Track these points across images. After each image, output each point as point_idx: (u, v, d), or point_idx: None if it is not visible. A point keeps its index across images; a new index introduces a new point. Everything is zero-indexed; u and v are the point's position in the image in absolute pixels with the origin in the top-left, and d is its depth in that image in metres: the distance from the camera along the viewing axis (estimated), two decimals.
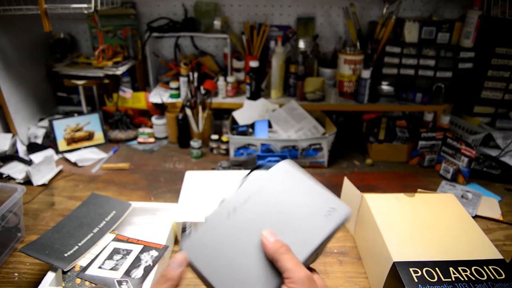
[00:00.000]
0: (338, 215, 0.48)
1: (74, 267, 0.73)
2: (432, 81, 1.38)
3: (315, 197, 0.50)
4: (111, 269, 0.72)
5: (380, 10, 1.48)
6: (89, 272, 0.72)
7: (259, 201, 0.49)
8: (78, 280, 0.70)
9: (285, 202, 0.49)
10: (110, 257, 0.76)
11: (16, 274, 0.79)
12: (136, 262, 0.74)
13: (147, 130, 1.43)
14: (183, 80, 1.41)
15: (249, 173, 0.55)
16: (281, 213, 0.48)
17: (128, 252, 0.77)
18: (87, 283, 0.70)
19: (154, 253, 0.76)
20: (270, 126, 1.33)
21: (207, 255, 0.44)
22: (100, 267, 0.73)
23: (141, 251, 0.76)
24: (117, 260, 0.75)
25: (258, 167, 0.54)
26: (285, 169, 0.52)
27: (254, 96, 1.41)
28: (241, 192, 0.49)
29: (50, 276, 0.71)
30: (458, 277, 0.63)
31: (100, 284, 0.69)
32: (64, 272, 0.72)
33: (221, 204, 0.48)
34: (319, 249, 0.47)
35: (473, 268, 0.65)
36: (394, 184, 1.18)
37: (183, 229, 0.53)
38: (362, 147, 1.38)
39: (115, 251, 0.77)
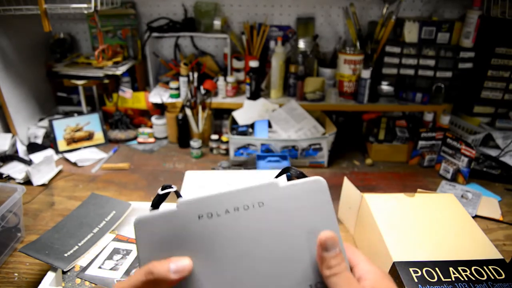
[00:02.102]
0: None
1: (74, 267, 0.73)
2: (432, 81, 1.38)
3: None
4: (111, 269, 0.72)
5: (380, 10, 1.48)
6: (89, 272, 0.72)
7: (247, 218, 0.38)
8: (78, 280, 0.70)
9: (279, 238, 0.38)
10: (110, 257, 0.76)
11: (16, 274, 0.79)
12: (136, 262, 0.74)
13: (147, 130, 1.43)
14: (183, 80, 1.41)
15: (276, 176, 0.44)
16: (263, 249, 0.37)
17: (128, 252, 0.77)
18: (87, 283, 0.70)
19: None
20: (270, 126, 1.33)
21: (154, 236, 0.37)
22: (100, 267, 0.73)
23: None
24: (117, 260, 0.75)
25: (287, 170, 0.43)
26: (311, 190, 0.39)
27: (254, 96, 1.41)
28: (233, 196, 0.38)
29: (50, 276, 0.71)
30: (458, 277, 0.63)
31: (100, 284, 0.69)
32: (64, 272, 0.72)
33: (200, 195, 0.38)
34: None
35: (473, 268, 0.65)
36: (394, 184, 1.18)
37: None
38: (362, 147, 1.38)
39: (115, 251, 0.77)
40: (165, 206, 0.39)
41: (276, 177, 0.43)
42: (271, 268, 0.37)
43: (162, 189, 0.42)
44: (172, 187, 0.42)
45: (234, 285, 0.37)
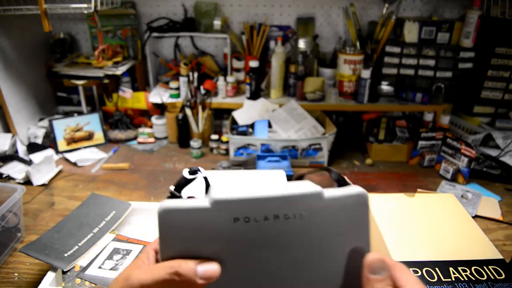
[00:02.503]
0: None
1: (74, 267, 0.73)
2: (432, 81, 1.38)
3: (350, 272, 0.36)
4: (111, 269, 0.72)
5: (380, 10, 1.48)
6: (89, 272, 0.72)
7: (286, 228, 0.34)
8: (78, 280, 0.70)
9: (315, 252, 0.35)
10: (110, 257, 0.76)
11: (16, 274, 0.79)
12: None
13: (147, 130, 1.43)
14: (183, 80, 1.41)
15: (311, 172, 0.41)
16: (299, 263, 0.35)
17: (128, 252, 0.77)
18: (87, 283, 0.70)
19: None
20: (270, 126, 1.33)
21: (179, 228, 0.34)
22: (100, 267, 0.73)
23: (141, 251, 0.76)
24: (117, 260, 0.75)
25: (328, 170, 0.39)
26: (353, 204, 0.37)
27: (254, 96, 1.41)
28: (277, 202, 0.34)
29: (50, 276, 0.70)
30: (458, 277, 0.63)
31: (100, 284, 0.69)
32: (64, 272, 0.72)
33: (240, 195, 0.34)
34: None
35: (473, 268, 0.65)
36: (394, 184, 1.18)
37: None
38: (362, 147, 1.38)
39: (115, 251, 0.77)
40: (190, 196, 0.36)
41: (313, 171, 0.39)
42: (302, 282, 0.35)
43: (190, 173, 0.38)
44: (200, 171, 0.38)
45: None
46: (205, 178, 0.39)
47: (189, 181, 0.39)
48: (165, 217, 0.33)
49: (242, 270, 0.35)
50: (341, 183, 0.38)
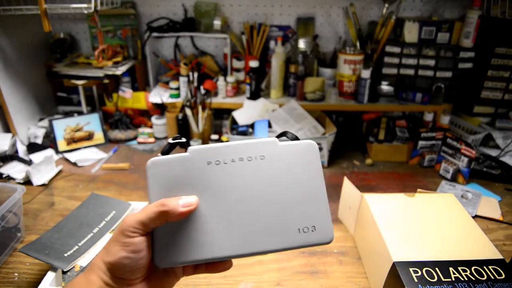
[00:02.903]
0: (312, 237, 0.44)
1: (74, 267, 0.73)
2: (432, 81, 1.38)
3: (308, 201, 0.44)
4: None
5: (380, 10, 1.48)
6: None
7: (250, 168, 0.44)
8: None
9: (276, 186, 0.44)
10: None
11: (16, 274, 0.79)
12: None
13: (147, 130, 1.43)
14: (183, 80, 1.41)
15: (277, 136, 0.49)
16: (262, 195, 0.44)
17: None
18: None
19: None
20: (270, 126, 1.33)
21: (165, 177, 0.42)
22: None
23: None
24: None
25: (284, 134, 0.48)
26: (305, 150, 0.46)
27: (254, 96, 1.41)
28: (240, 148, 0.44)
29: (50, 276, 0.71)
30: (458, 277, 0.63)
31: None
32: (64, 272, 0.72)
33: (212, 144, 0.44)
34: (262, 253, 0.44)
35: (473, 268, 0.65)
36: (394, 184, 1.18)
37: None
38: (362, 147, 1.38)
39: None
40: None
41: (279, 136, 0.48)
42: (265, 210, 0.43)
43: (173, 139, 0.46)
44: (182, 139, 0.47)
45: (233, 222, 0.43)
46: (186, 143, 0.47)
47: (172, 145, 0.46)
48: (153, 168, 0.42)
49: (216, 203, 0.43)
50: (295, 139, 0.47)
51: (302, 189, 0.45)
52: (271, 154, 0.45)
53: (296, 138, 0.47)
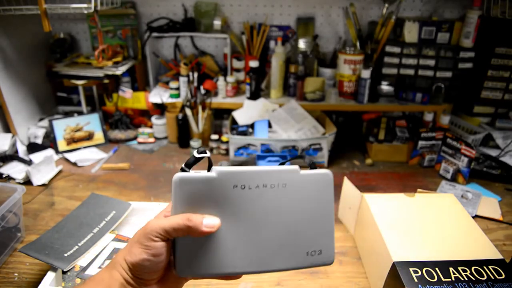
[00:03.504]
0: (318, 260, 0.49)
1: (74, 267, 0.73)
2: (432, 81, 1.38)
3: (319, 227, 0.49)
4: None
5: (380, 10, 1.48)
6: (89, 272, 0.72)
7: (272, 194, 0.47)
8: (78, 280, 0.70)
9: (293, 212, 0.48)
10: (110, 257, 0.76)
11: (16, 274, 0.79)
12: None
13: (147, 130, 1.43)
14: (183, 80, 1.41)
15: (290, 159, 0.56)
16: (279, 219, 0.47)
17: None
18: None
19: None
20: (270, 126, 1.33)
21: (190, 193, 0.44)
22: (100, 267, 0.73)
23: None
24: None
25: (301, 157, 0.56)
26: (322, 180, 0.49)
27: (254, 96, 1.41)
28: (265, 175, 0.47)
29: (50, 276, 0.71)
30: (458, 277, 0.63)
31: None
32: (64, 272, 0.72)
33: (238, 168, 0.46)
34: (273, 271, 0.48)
35: (473, 268, 0.65)
36: (394, 184, 1.18)
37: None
38: (362, 147, 1.38)
39: (115, 251, 0.77)
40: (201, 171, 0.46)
41: (291, 158, 0.55)
42: (280, 234, 0.47)
43: (199, 153, 0.48)
44: (207, 153, 0.48)
45: (250, 243, 0.46)
46: (209, 159, 0.48)
47: (197, 160, 0.48)
48: (180, 184, 0.44)
49: (237, 225, 0.46)
50: (312, 167, 0.50)
51: (315, 216, 0.49)
52: (292, 182, 0.47)
53: (313, 163, 0.51)
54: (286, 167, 0.48)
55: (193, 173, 0.45)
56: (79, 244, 0.78)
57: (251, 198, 0.46)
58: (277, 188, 0.47)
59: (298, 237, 0.48)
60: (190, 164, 0.47)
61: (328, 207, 0.49)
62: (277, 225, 0.47)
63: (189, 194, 0.44)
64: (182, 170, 0.46)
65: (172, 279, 0.45)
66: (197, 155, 0.48)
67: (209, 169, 0.47)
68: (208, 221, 0.43)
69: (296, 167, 0.48)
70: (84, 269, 0.73)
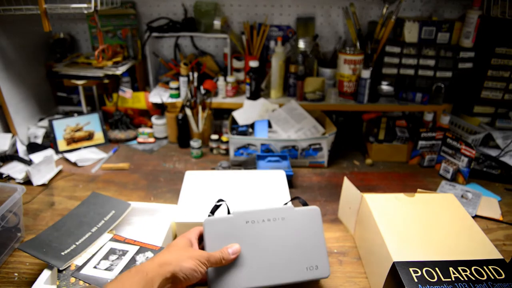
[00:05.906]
0: (316, 273, 0.68)
1: (70, 266, 0.73)
2: (432, 81, 1.38)
3: (313, 248, 0.69)
4: (106, 269, 0.72)
5: (380, 10, 1.48)
6: (84, 271, 0.72)
7: (275, 225, 0.70)
8: (72, 279, 0.70)
9: (291, 238, 0.69)
10: (106, 257, 0.75)
11: (16, 274, 0.79)
12: (131, 263, 0.74)
13: (147, 130, 1.43)
14: (183, 80, 1.41)
15: (291, 200, 0.79)
16: (282, 243, 0.69)
17: (124, 252, 0.76)
18: (81, 282, 0.69)
19: (150, 254, 0.75)
20: (270, 126, 1.33)
21: (217, 232, 0.68)
22: (95, 267, 0.73)
23: (137, 252, 0.76)
24: (112, 261, 0.74)
25: (296, 198, 0.77)
26: (311, 214, 0.72)
27: (254, 96, 1.41)
28: (267, 212, 0.71)
29: (45, 274, 0.71)
30: (458, 277, 0.63)
31: (93, 284, 0.69)
32: (59, 271, 0.72)
33: (248, 209, 0.70)
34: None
35: (473, 268, 0.65)
36: (394, 184, 1.17)
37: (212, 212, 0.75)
38: (362, 147, 1.38)
39: (111, 251, 0.77)
40: (219, 214, 0.72)
41: (293, 199, 0.79)
42: (284, 254, 0.68)
43: (218, 202, 0.75)
44: (223, 201, 0.75)
45: (262, 262, 0.67)
46: (227, 205, 0.75)
47: (217, 207, 0.74)
48: (208, 225, 0.68)
49: (251, 249, 0.67)
50: (305, 204, 0.75)
51: (309, 240, 0.70)
52: (288, 216, 0.71)
53: (305, 203, 0.75)
54: (283, 206, 0.72)
55: (217, 215, 0.70)
56: (77, 243, 0.78)
57: (260, 229, 0.68)
58: (278, 221, 0.70)
59: (298, 256, 0.68)
60: (213, 210, 0.73)
61: (319, 233, 0.70)
62: (281, 248, 0.68)
63: (215, 230, 0.68)
64: (209, 215, 0.70)
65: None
66: (217, 204, 0.73)
67: (228, 212, 0.72)
68: (233, 249, 0.65)
69: (290, 205, 0.73)
70: (79, 268, 0.72)
